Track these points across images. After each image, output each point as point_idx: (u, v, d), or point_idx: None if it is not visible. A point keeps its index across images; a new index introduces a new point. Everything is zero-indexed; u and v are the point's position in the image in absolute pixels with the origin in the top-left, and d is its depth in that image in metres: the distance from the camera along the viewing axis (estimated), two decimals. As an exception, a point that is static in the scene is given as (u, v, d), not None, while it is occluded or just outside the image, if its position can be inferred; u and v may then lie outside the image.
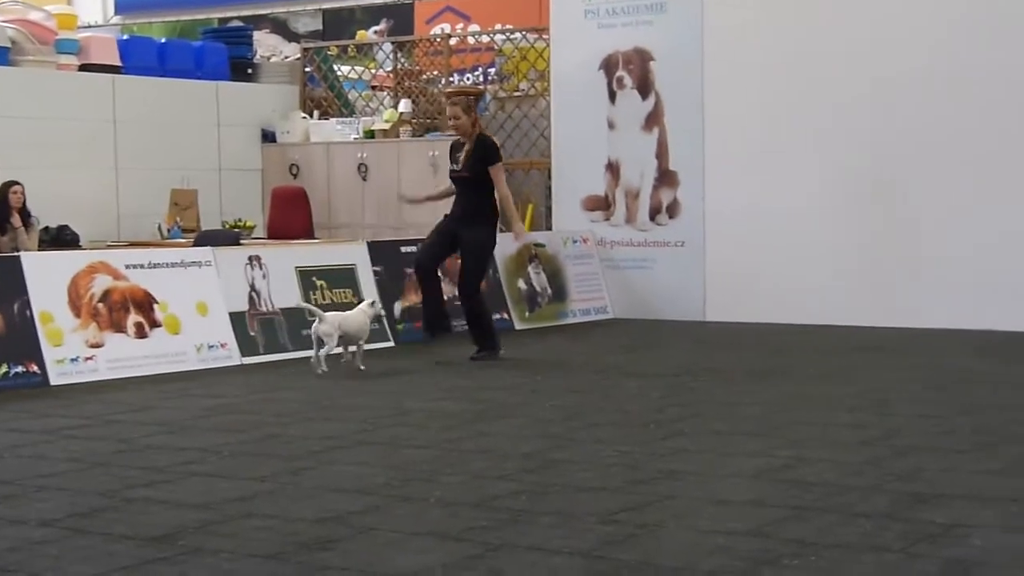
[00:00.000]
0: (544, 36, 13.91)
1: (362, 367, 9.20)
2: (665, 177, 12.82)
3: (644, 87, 12.90)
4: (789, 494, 5.07)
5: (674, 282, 12.65)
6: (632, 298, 12.89)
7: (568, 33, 13.33)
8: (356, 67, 15.50)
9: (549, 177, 13.77)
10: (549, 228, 13.49)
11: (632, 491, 5.19)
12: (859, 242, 11.85)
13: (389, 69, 15.13)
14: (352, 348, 9.26)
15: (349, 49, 15.82)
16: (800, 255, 12.07)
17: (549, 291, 12.28)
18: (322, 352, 9.01)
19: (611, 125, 13.06)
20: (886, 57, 11.72)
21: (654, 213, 12.90)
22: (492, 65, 14.89)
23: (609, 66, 13.10)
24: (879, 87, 11.74)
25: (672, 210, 12.74)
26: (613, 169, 13.09)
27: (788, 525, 4.59)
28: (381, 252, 10.97)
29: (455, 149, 9.78)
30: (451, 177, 9.82)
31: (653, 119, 12.66)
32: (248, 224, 13.70)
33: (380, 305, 9.67)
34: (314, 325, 9.19)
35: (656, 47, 12.88)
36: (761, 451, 5.98)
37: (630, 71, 12.98)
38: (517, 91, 14.52)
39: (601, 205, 13.04)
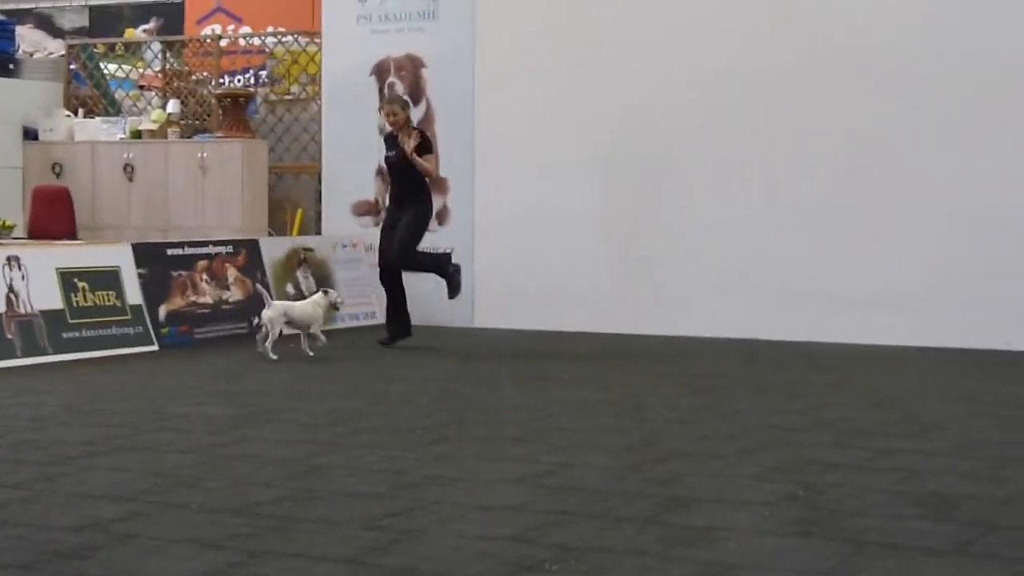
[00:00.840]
0: (316, 40, 13.82)
1: (310, 352, 10.01)
2: (435, 184, 12.87)
3: (416, 94, 12.92)
4: (552, 499, 5.13)
5: (443, 288, 12.70)
6: (401, 303, 12.89)
7: (340, 38, 13.28)
8: (124, 66, 15.11)
9: (319, 181, 13.69)
10: (319, 233, 13.40)
11: (397, 497, 5.18)
12: (626, 252, 12.10)
13: (158, 69, 14.81)
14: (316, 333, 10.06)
15: (117, 47, 15.41)
16: (567, 263, 12.26)
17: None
18: (268, 341, 9.71)
19: (382, 131, 13.05)
20: (662, 63, 11.98)
21: (424, 219, 12.93)
22: (263, 68, 14.70)
23: (381, 72, 13.09)
24: (652, 96, 12.00)
25: (441, 217, 12.77)
26: (383, 175, 13.08)
27: (551, 530, 4.64)
28: (146, 254, 10.74)
29: (390, 140, 10.90)
30: (388, 164, 10.95)
31: (424, 126, 12.68)
32: (7, 224, 13.23)
33: (336, 295, 10.39)
34: (262, 311, 9.94)
35: (428, 54, 12.93)
36: (526, 456, 6.04)
37: (402, 77, 13.00)
38: (288, 95, 14.38)
39: (371, 210, 12.97)
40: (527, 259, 12.40)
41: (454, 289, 10.97)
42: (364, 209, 13.10)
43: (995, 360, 10.33)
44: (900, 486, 5.36)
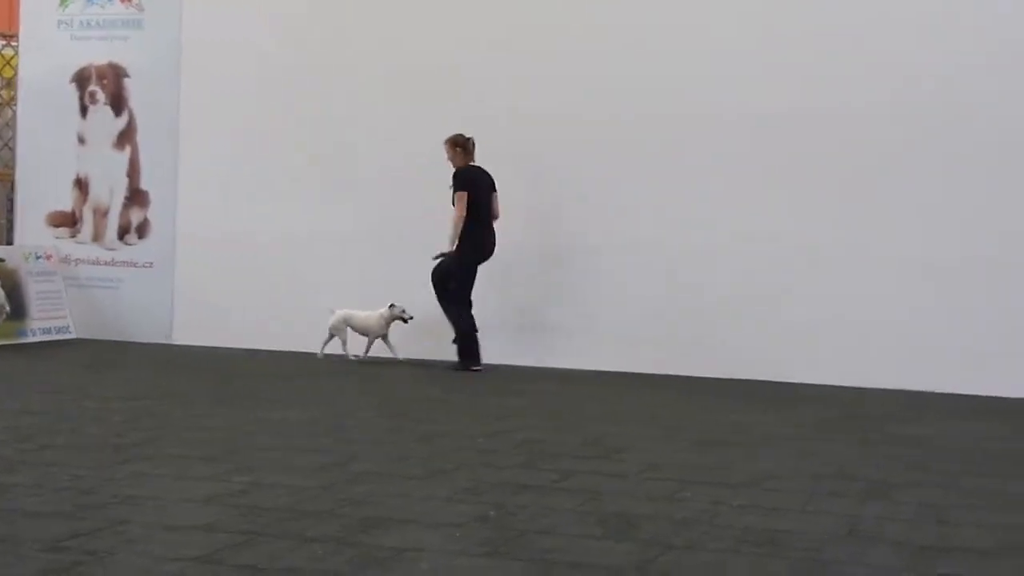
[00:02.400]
0: (13, 43, 13.37)
1: (351, 357, 11.58)
2: (136, 196, 12.62)
3: (118, 103, 12.65)
4: (243, 519, 5.09)
5: (141, 303, 12.46)
6: (97, 318, 12.58)
7: (39, 42, 12.89)
8: None
9: (12, 189, 13.22)
10: (10, 242, 12.94)
11: (83, 516, 5.05)
12: (338, 270, 12.13)
13: None
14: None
15: None
16: (270, 281, 12.17)
17: (7, 308, 11.77)
18: (324, 345, 11.64)
19: (81, 140, 12.72)
20: (375, 80, 12.04)
21: (123, 232, 12.67)
22: (-44, 69, 14.14)
23: (82, 80, 12.76)
24: (361, 110, 12.06)
25: (142, 230, 12.55)
26: (82, 185, 12.75)
27: (240, 550, 4.60)
28: None
29: None
30: None
31: (126, 137, 12.43)
32: None
33: (400, 309, 11.43)
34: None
35: (131, 63, 12.69)
36: (218, 475, 5.97)
37: (103, 86, 12.70)
38: (-20, 98, 13.88)
39: (67, 221, 12.65)
40: (229, 275, 12.27)
41: (462, 362, 11.28)
42: (60, 220, 12.75)
43: (676, 384, 10.74)
44: (585, 507, 5.51)
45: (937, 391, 10.88)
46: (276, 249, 12.20)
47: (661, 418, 8.82)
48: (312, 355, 11.69)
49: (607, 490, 5.93)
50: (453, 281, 11.29)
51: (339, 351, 11.66)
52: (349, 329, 11.64)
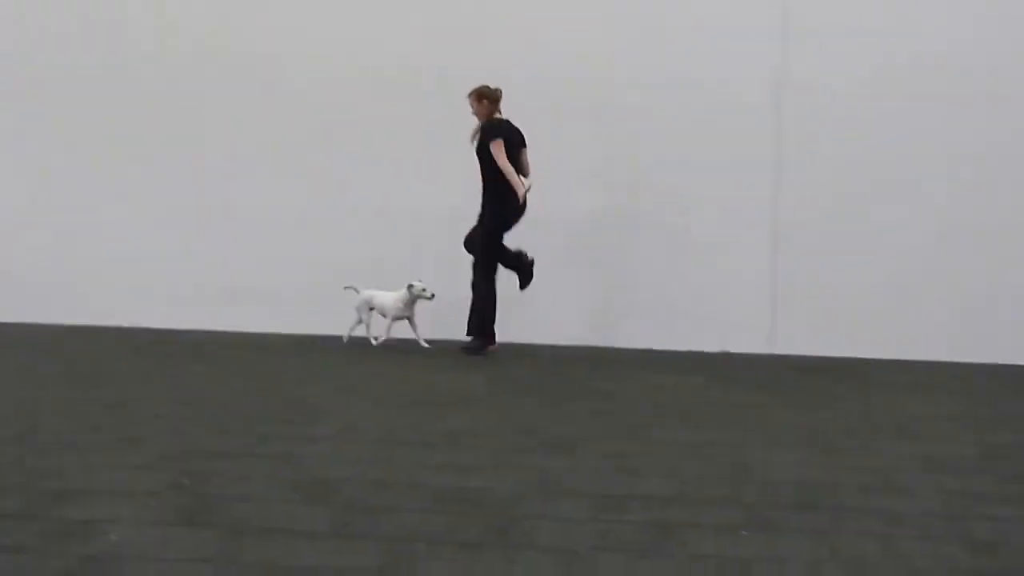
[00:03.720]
0: None
1: (374, 340, 11.16)
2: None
3: None
4: (-78, 497, 4.87)
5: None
6: None
7: None
8: None
9: None
10: None
11: None
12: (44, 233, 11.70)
13: None
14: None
15: None
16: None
17: None
18: (351, 329, 11.26)
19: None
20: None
21: None
22: None
23: None
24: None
25: None
26: None
27: (-81, 529, 4.41)
28: None
29: None
30: None
31: None
32: None
33: (421, 287, 10.83)
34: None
35: None
36: None
37: None
38: None
39: None
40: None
41: (526, 279, 10.86)
42: None
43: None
44: (282, 472, 5.49)
45: (630, 347, 11.26)
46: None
47: (361, 380, 8.83)
48: None
49: (304, 454, 5.91)
50: (483, 240, 10.71)
51: (362, 334, 11.54)
52: (373, 312, 11.27)
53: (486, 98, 10.81)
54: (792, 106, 11.82)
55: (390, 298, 11.01)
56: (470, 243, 10.80)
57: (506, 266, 10.81)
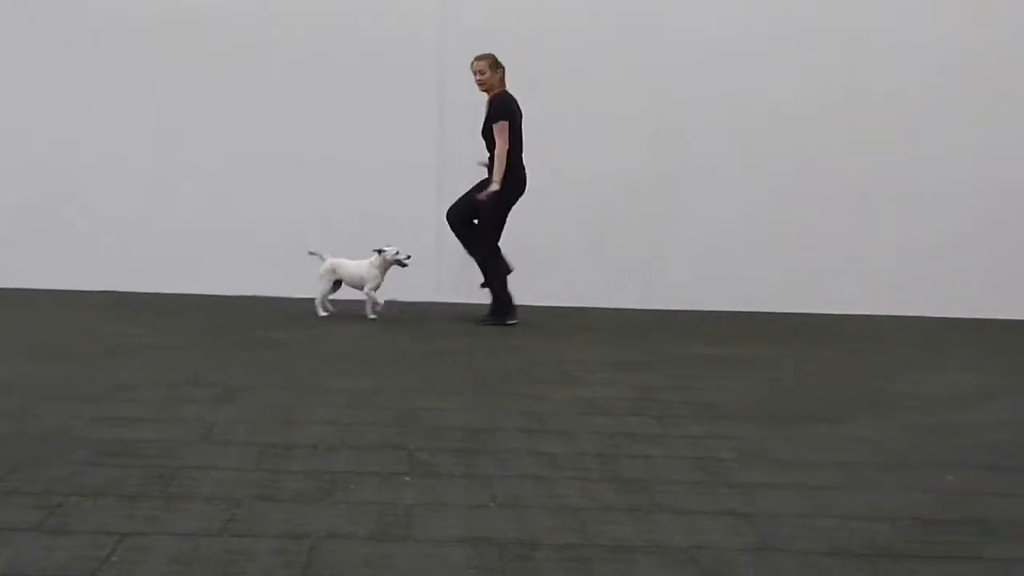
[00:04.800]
0: None
1: (371, 316, 10.15)
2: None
3: None
4: None
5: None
6: None
7: None
8: None
9: None
10: None
11: None
12: None
13: None
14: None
15: None
16: None
17: None
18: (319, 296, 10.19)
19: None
20: None
21: None
22: None
23: None
24: None
25: None
26: None
27: None
28: None
29: None
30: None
31: None
32: None
33: (395, 251, 9.96)
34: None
35: None
36: None
37: None
38: None
39: None
40: None
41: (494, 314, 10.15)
42: None
43: (47, 299, 10.44)
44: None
45: (299, 296, 11.25)
46: None
47: (22, 334, 8.54)
48: None
49: (-45, 410, 5.70)
50: (485, 218, 10.00)
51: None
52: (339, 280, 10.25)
53: (501, 67, 10.05)
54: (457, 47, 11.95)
55: (364, 266, 10.15)
56: (454, 215, 10.26)
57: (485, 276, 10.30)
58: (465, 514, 4.30)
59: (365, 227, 11.60)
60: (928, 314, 12.23)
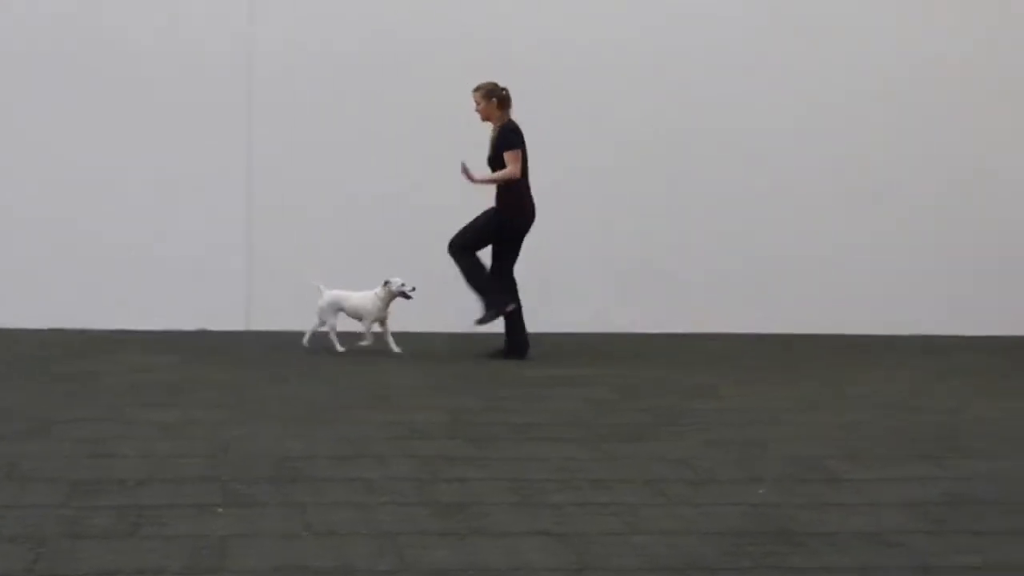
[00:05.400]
0: None
1: (363, 343, 9.73)
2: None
3: None
4: None
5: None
6: None
7: None
8: None
9: None
10: None
11: None
12: None
13: None
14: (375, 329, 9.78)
15: None
16: None
17: None
18: (310, 332, 9.84)
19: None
20: None
21: None
22: None
23: None
24: None
25: None
26: None
27: None
28: None
29: None
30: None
31: None
32: None
33: (401, 283, 9.62)
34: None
35: None
36: None
37: None
38: None
39: None
40: None
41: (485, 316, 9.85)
42: None
43: None
44: None
45: (112, 328, 11.01)
46: None
47: None
48: None
49: None
50: (481, 234, 9.80)
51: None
52: (341, 314, 9.80)
53: (495, 96, 9.88)
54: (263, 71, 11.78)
55: (368, 298, 9.78)
56: (458, 243, 9.93)
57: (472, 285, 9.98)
58: (279, 544, 4.27)
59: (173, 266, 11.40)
60: (738, 331, 12.39)
